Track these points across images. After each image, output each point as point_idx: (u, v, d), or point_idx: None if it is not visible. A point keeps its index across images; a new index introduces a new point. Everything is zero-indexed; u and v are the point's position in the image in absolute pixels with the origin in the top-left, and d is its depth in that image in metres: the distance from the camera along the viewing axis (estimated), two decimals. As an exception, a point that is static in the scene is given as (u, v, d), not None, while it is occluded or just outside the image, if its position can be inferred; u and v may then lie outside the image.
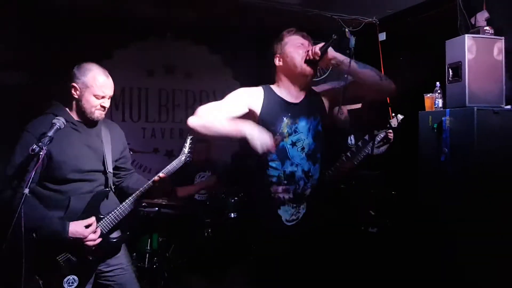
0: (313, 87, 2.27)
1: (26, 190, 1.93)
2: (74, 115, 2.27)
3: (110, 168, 2.31)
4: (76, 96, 2.25)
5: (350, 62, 2.08)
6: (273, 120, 2.07)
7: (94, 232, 2.18)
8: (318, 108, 2.21)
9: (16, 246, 1.85)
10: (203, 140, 4.25)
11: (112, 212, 2.25)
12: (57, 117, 2.16)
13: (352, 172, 3.14)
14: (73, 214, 2.17)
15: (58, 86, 3.86)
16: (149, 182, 2.33)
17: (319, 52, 2.05)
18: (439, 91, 3.31)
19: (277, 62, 2.18)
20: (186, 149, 2.37)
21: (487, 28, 3.15)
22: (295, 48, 2.12)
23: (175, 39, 4.52)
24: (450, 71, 3.13)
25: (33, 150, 2.00)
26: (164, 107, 4.67)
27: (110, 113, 4.48)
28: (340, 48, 4.98)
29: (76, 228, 2.12)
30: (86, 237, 2.14)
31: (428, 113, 3.32)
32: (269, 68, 2.25)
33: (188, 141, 2.40)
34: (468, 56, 3.02)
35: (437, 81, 3.33)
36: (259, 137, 1.84)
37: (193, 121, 1.97)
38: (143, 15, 4.18)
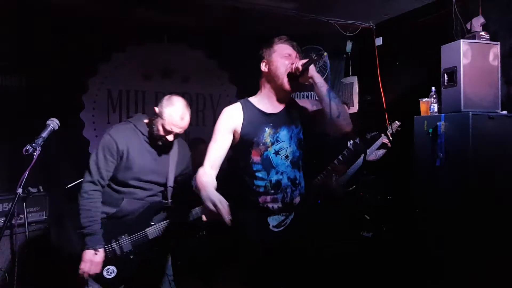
0: (296, 100, 2.30)
1: (19, 190, 2.02)
2: (150, 131, 2.46)
3: (170, 183, 2.47)
4: (153, 117, 2.46)
5: (324, 88, 2.08)
6: (255, 132, 2.11)
7: (92, 264, 2.33)
8: (299, 117, 2.23)
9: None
10: (202, 142, 4.26)
11: (163, 222, 2.45)
12: (51, 119, 2.19)
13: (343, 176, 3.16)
14: (123, 213, 2.39)
15: (56, 89, 3.96)
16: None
17: (300, 68, 2.05)
18: (434, 96, 3.32)
19: (263, 67, 2.17)
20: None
21: (482, 33, 3.16)
22: (282, 58, 2.12)
23: (172, 43, 4.52)
24: (446, 76, 3.14)
25: (26, 150, 2.04)
26: (161, 110, 4.66)
27: (108, 116, 4.48)
28: (337, 53, 5.05)
29: (89, 256, 2.31)
30: (86, 267, 2.32)
31: (423, 117, 3.32)
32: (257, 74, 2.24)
33: None
34: (464, 61, 3.03)
35: (433, 86, 3.34)
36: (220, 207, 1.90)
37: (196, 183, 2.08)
38: (140, 19, 4.19)
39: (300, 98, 3.46)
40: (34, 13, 3.85)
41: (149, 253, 2.45)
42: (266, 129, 2.11)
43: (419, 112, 3.42)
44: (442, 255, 3.00)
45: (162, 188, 2.49)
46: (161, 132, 2.38)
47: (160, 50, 4.50)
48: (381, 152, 3.46)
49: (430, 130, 3.17)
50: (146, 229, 2.42)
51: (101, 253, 2.35)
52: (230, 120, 2.12)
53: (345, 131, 2.16)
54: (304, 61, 2.07)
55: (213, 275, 3.39)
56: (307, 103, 2.28)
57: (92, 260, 2.32)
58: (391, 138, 3.42)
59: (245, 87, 4.66)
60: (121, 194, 2.40)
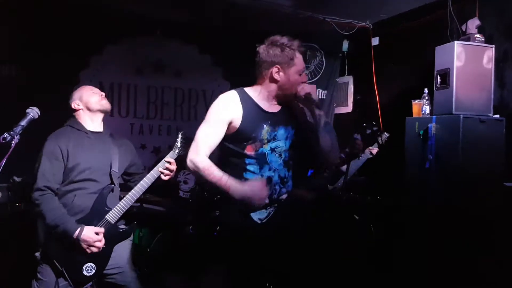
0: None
1: None
2: (87, 126, 2.50)
3: (115, 168, 2.47)
4: (78, 111, 2.51)
5: (321, 120, 2.12)
6: (254, 128, 2.09)
7: (100, 240, 2.30)
8: (294, 118, 2.22)
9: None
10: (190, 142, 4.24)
11: (119, 203, 2.41)
12: (31, 107, 2.15)
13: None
14: (77, 210, 2.34)
15: (45, 79, 3.92)
16: (156, 168, 2.45)
17: (303, 96, 2.11)
18: (426, 98, 3.29)
19: (275, 74, 2.08)
20: (178, 144, 2.52)
21: (477, 35, 3.12)
22: (298, 75, 2.10)
23: (165, 38, 4.47)
24: (438, 77, 3.11)
25: (4, 138, 2.00)
26: (153, 104, 4.61)
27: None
28: (333, 51, 5.02)
29: (87, 232, 2.27)
30: (92, 242, 2.27)
31: (415, 119, 3.30)
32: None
33: (180, 136, 2.54)
34: (457, 63, 2.99)
35: (426, 88, 3.31)
36: (254, 196, 1.99)
37: (189, 165, 2.09)
38: (133, 12, 4.14)
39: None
40: (25, 4, 3.80)
41: (118, 237, 2.44)
42: (265, 126, 2.10)
43: (411, 113, 3.39)
44: (429, 255, 2.97)
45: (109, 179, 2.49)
46: (94, 98, 2.47)
47: (153, 44, 4.45)
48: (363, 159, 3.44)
49: (421, 132, 3.14)
50: (106, 216, 2.37)
51: (102, 232, 2.33)
52: (228, 111, 2.08)
53: (330, 164, 2.23)
54: (309, 89, 2.11)
55: (199, 270, 3.37)
56: (300, 109, 2.23)
57: (99, 237, 2.29)
58: (377, 150, 3.44)
59: (239, 83, 4.62)
60: (74, 192, 2.36)
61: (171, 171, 2.47)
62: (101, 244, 2.31)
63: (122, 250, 2.45)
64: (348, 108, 4.79)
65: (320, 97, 4.94)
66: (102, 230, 2.33)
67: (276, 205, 2.14)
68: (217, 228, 3.57)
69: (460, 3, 3.44)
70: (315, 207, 2.95)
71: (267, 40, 2.12)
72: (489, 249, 2.81)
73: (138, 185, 2.44)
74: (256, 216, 2.11)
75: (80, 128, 2.46)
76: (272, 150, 2.12)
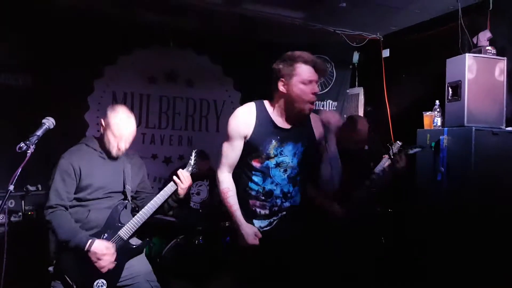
0: (311, 115, 2.27)
1: (11, 187, 1.99)
2: (102, 146, 2.49)
3: (128, 185, 2.50)
4: (101, 130, 2.48)
5: (332, 153, 2.17)
6: (262, 141, 2.13)
7: (110, 254, 2.30)
8: (307, 136, 2.23)
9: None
10: (203, 158, 4.28)
11: (132, 220, 2.42)
12: (46, 118, 2.19)
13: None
14: (93, 224, 2.37)
15: (60, 89, 3.99)
16: (169, 185, 2.45)
17: (327, 122, 2.16)
18: (438, 110, 3.28)
19: (281, 87, 2.12)
20: (192, 162, 2.52)
21: (489, 48, 3.12)
22: (304, 84, 2.08)
23: (178, 48, 4.54)
24: (450, 90, 3.10)
25: (20, 148, 2.04)
26: (165, 114, 4.67)
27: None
28: (343, 63, 5.02)
29: (99, 245, 2.28)
30: (102, 255, 2.27)
31: (426, 131, 3.28)
32: (269, 82, 2.20)
33: (193, 154, 2.56)
34: (468, 75, 2.98)
35: (438, 100, 3.30)
36: (247, 238, 2.11)
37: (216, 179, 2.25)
38: (147, 23, 4.22)
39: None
40: (41, 14, 3.90)
41: (131, 253, 2.44)
42: (273, 141, 2.13)
43: (422, 125, 3.38)
44: (441, 268, 2.93)
45: (123, 196, 2.53)
46: (113, 142, 2.42)
47: (166, 54, 4.52)
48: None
49: (433, 144, 3.13)
50: (118, 232, 2.38)
51: (111, 244, 2.33)
52: (244, 125, 2.14)
53: (326, 196, 2.37)
54: (331, 115, 2.17)
55: (209, 279, 3.37)
56: (319, 129, 2.24)
57: (109, 250, 2.28)
58: (392, 158, 3.37)
59: (250, 94, 4.67)
60: (88, 207, 2.39)
61: (183, 187, 2.46)
62: (111, 258, 2.30)
63: (137, 262, 2.45)
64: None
65: (330, 108, 4.95)
66: (112, 244, 2.33)
67: (278, 215, 2.21)
68: (227, 238, 3.61)
69: (471, 16, 3.43)
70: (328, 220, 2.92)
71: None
72: (502, 262, 2.76)
73: (152, 201, 2.43)
74: (258, 223, 2.19)
75: (94, 147, 2.47)
76: (277, 165, 2.16)
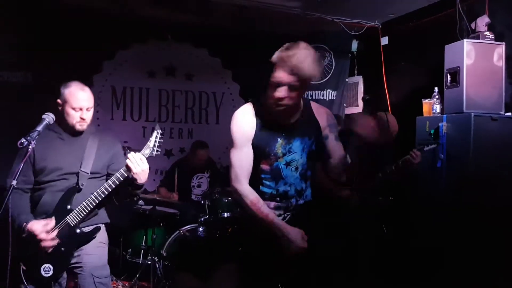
0: (313, 106, 2.15)
1: (14, 182, 2.03)
2: (64, 129, 2.40)
3: (85, 169, 2.36)
4: (60, 110, 2.36)
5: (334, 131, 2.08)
6: (267, 142, 2.01)
7: (47, 232, 2.21)
8: (313, 128, 2.10)
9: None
10: (203, 146, 4.29)
11: (80, 206, 2.28)
12: (46, 113, 2.21)
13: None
14: (45, 208, 2.29)
15: (59, 85, 4.00)
16: (121, 170, 2.26)
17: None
18: (437, 97, 3.27)
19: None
20: (151, 143, 2.25)
21: (487, 33, 3.10)
22: (272, 89, 1.94)
23: (176, 42, 4.54)
24: (448, 76, 3.10)
25: (21, 143, 2.07)
26: (164, 107, 4.69)
27: (111, 112, 4.51)
28: (342, 52, 5.01)
29: (32, 226, 2.20)
30: (39, 234, 2.19)
31: (425, 118, 3.28)
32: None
33: (154, 134, 2.27)
34: (467, 61, 2.98)
35: (437, 87, 3.29)
36: (296, 241, 1.94)
37: (234, 195, 2.04)
38: (144, 17, 4.21)
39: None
40: (40, 10, 3.90)
41: (79, 240, 2.31)
42: (279, 139, 2.02)
43: (422, 113, 3.38)
44: (441, 255, 2.96)
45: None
46: (74, 116, 2.32)
47: (164, 48, 4.53)
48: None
49: (432, 131, 3.13)
50: (66, 217, 2.27)
51: (52, 223, 2.22)
52: (248, 127, 2.01)
53: (338, 182, 2.15)
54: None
55: (209, 273, 3.39)
56: (323, 118, 2.13)
57: (46, 227, 2.19)
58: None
59: (248, 86, 4.68)
60: (44, 190, 2.32)
61: (136, 172, 2.19)
62: (49, 239, 2.20)
63: (87, 253, 2.34)
64: (359, 108, 4.79)
65: (330, 98, 4.95)
66: (51, 222, 2.23)
67: (291, 212, 2.10)
68: (229, 229, 3.63)
69: (468, 1, 3.42)
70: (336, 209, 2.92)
71: None
72: (502, 248, 2.78)
73: (102, 186, 2.28)
74: None
75: (55, 129, 2.38)
76: (287, 164, 2.04)
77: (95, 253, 2.37)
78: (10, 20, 3.87)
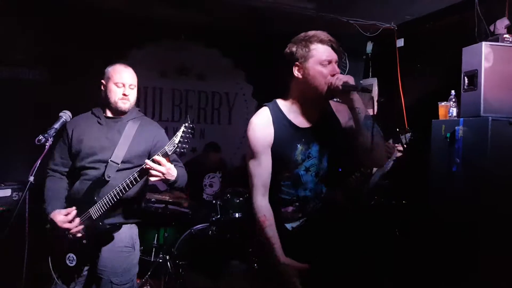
0: (332, 105, 2.04)
1: (31, 178, 2.05)
2: (106, 112, 2.40)
3: (116, 159, 2.27)
4: (103, 89, 2.37)
5: (361, 114, 1.83)
6: (286, 149, 1.91)
7: (70, 221, 2.22)
8: (332, 129, 1.99)
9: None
10: (215, 149, 4.31)
11: (102, 199, 2.22)
12: (63, 111, 2.24)
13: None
14: (74, 197, 2.30)
15: (74, 83, 4.05)
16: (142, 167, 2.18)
17: (340, 87, 1.80)
18: (453, 100, 3.23)
19: (296, 72, 1.88)
20: (176, 139, 2.06)
21: (506, 36, 3.04)
22: (321, 66, 1.83)
23: (189, 42, 4.56)
24: (466, 79, 3.04)
25: (39, 140, 2.09)
26: (177, 107, 4.71)
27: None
28: (357, 54, 4.97)
29: (54, 216, 2.22)
30: (61, 226, 2.20)
31: (441, 121, 3.23)
32: (282, 74, 2.00)
33: (182, 129, 2.05)
34: (485, 64, 2.92)
35: (454, 90, 3.25)
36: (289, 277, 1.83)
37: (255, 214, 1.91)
38: (158, 17, 4.24)
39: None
40: (53, 10, 3.95)
41: (100, 235, 2.26)
42: (298, 146, 1.92)
43: (438, 116, 3.34)
44: (457, 259, 2.91)
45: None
46: (117, 92, 2.31)
47: (177, 48, 4.55)
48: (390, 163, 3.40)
49: (448, 135, 3.08)
50: (89, 209, 2.23)
51: (72, 212, 2.21)
52: (266, 134, 1.90)
53: (375, 166, 1.98)
54: (345, 78, 1.80)
55: (220, 272, 3.40)
56: (344, 114, 2.01)
57: (68, 218, 2.19)
58: (404, 147, 3.35)
59: (261, 86, 4.67)
60: (77, 177, 2.31)
61: (159, 171, 2.08)
62: (74, 226, 2.19)
63: (108, 255, 2.28)
64: (373, 111, 4.75)
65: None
66: (72, 212, 2.21)
67: (310, 215, 2.02)
68: (240, 230, 3.63)
69: (487, 3, 3.36)
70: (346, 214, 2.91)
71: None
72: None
73: (124, 181, 2.17)
74: (289, 226, 2.00)
75: (97, 114, 2.37)
76: (307, 169, 1.95)
77: (114, 258, 2.29)
78: (27, 19, 3.92)
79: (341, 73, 1.91)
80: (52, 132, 2.13)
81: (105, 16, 4.09)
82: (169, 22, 4.33)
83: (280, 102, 1.97)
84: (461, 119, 3.02)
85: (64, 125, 2.26)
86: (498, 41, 3.02)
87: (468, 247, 2.84)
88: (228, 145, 4.48)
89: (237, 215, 3.67)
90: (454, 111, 3.22)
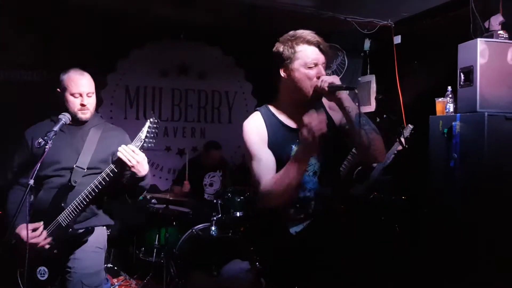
0: (322, 100, 2.00)
1: (31, 181, 2.00)
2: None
3: (82, 165, 2.23)
4: (60, 98, 2.28)
5: (352, 112, 1.80)
6: (281, 151, 1.89)
7: (39, 236, 2.13)
8: (327, 126, 1.92)
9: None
10: (216, 147, 4.33)
11: (71, 204, 2.16)
12: (63, 113, 2.24)
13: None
14: (39, 207, 2.20)
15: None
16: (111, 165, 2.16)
17: (326, 89, 1.77)
18: (450, 96, 3.26)
19: (283, 73, 1.86)
20: (143, 134, 2.06)
21: (501, 32, 3.08)
22: (306, 69, 1.81)
23: (189, 40, 4.58)
24: (462, 75, 3.07)
25: (39, 143, 2.07)
26: (177, 106, 4.73)
27: (125, 111, 4.56)
28: (355, 51, 4.99)
29: (20, 231, 2.12)
30: (27, 241, 2.04)
31: (438, 117, 3.26)
32: (272, 73, 1.96)
33: (147, 124, 2.07)
34: (480, 60, 2.95)
35: (450, 86, 3.27)
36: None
37: (265, 198, 1.83)
38: (158, 16, 4.25)
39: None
40: (53, 11, 3.96)
41: (71, 242, 2.18)
42: (293, 146, 1.89)
43: (435, 112, 3.36)
44: (454, 255, 2.94)
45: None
46: (72, 100, 2.22)
47: (177, 47, 4.57)
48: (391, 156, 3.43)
49: (445, 130, 3.11)
50: (58, 217, 2.14)
51: (40, 228, 2.11)
52: (261, 135, 1.88)
53: (376, 162, 1.95)
54: (330, 79, 1.76)
55: (219, 269, 3.42)
56: (337, 112, 1.97)
57: (35, 234, 2.08)
58: (404, 143, 3.37)
59: (261, 85, 4.69)
60: (42, 186, 2.22)
61: (133, 157, 2.05)
62: (41, 239, 2.11)
63: (81, 257, 2.21)
64: (371, 107, 4.77)
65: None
66: (39, 226, 2.12)
67: (312, 217, 1.99)
68: (241, 229, 3.66)
69: (482, 0, 3.38)
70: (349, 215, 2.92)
71: None
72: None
73: (91, 184, 2.12)
74: (293, 230, 1.97)
75: (55, 120, 2.25)
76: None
77: (87, 258, 2.22)
78: (26, 19, 3.94)
79: (338, 71, 1.93)
80: (51, 135, 2.08)
81: (105, 16, 4.11)
82: (169, 21, 4.35)
83: (271, 106, 1.96)
84: (458, 114, 3.05)
85: (22, 135, 2.25)
86: (493, 38, 3.05)
87: (467, 240, 2.87)
88: (228, 143, 4.50)
89: (238, 214, 3.69)
90: (451, 107, 3.25)
